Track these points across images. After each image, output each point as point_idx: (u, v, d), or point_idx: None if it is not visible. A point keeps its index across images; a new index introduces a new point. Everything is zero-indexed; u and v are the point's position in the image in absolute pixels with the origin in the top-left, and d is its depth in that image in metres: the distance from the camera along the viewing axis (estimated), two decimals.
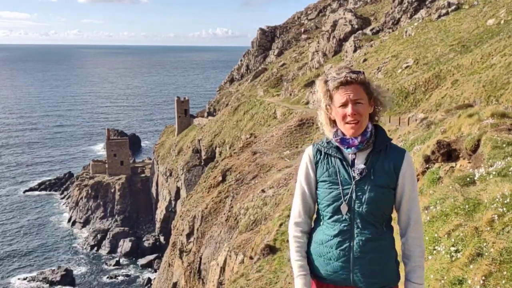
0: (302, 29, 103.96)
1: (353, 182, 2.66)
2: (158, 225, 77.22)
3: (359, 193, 2.65)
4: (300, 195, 2.83)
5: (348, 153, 2.72)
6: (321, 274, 2.78)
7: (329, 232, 2.73)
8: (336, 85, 2.67)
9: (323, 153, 2.78)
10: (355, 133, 2.66)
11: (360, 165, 2.69)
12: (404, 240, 2.79)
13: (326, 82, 2.73)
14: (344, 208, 2.67)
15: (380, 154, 2.71)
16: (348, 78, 2.66)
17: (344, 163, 2.71)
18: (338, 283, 2.74)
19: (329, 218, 2.74)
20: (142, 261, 68.41)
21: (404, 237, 2.79)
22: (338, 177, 2.70)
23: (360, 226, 2.67)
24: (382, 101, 2.76)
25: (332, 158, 2.75)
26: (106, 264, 67.61)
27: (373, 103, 2.73)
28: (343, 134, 2.72)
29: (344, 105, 2.65)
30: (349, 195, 2.66)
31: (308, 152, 2.84)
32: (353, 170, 2.68)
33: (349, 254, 2.68)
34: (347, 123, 2.65)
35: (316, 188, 2.79)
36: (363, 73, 2.74)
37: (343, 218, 2.69)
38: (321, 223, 2.79)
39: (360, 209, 2.65)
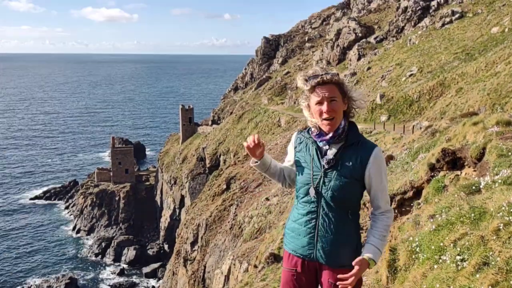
0: (306, 38, 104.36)
1: (322, 170, 3.00)
2: (162, 233, 77.13)
3: (326, 180, 2.99)
4: (284, 165, 3.34)
5: (321, 145, 3.06)
6: (292, 247, 3.15)
7: (300, 211, 3.10)
8: (313, 85, 2.98)
9: (303, 141, 3.16)
10: (331, 129, 2.99)
11: (330, 155, 3.02)
12: (372, 219, 3.10)
13: (306, 81, 3.04)
14: (312, 192, 3.02)
15: (351, 148, 3.00)
16: (324, 79, 2.95)
17: (318, 152, 3.05)
18: (305, 257, 3.10)
19: (301, 199, 3.11)
20: (146, 269, 68.23)
21: (372, 217, 3.11)
22: (311, 164, 3.05)
23: (325, 209, 3.01)
24: (355, 99, 3.05)
25: (310, 147, 3.11)
26: (110, 272, 67.49)
27: (347, 102, 3.03)
28: (319, 128, 3.06)
29: (320, 103, 2.96)
30: (317, 180, 3.01)
31: (292, 138, 3.27)
32: (323, 159, 3.01)
33: (315, 231, 3.03)
34: (324, 119, 2.97)
35: (296, 170, 3.19)
36: (338, 74, 3.03)
37: (312, 200, 3.04)
38: (296, 202, 3.17)
39: (326, 194, 2.99)
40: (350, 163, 2.96)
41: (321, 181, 2.99)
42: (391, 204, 8.64)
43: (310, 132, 3.13)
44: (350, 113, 3.07)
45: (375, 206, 3.08)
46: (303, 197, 3.09)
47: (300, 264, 3.13)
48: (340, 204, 2.98)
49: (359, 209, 3.09)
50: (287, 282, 3.22)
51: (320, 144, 3.05)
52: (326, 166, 2.99)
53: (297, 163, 3.16)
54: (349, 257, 3.01)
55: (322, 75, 2.96)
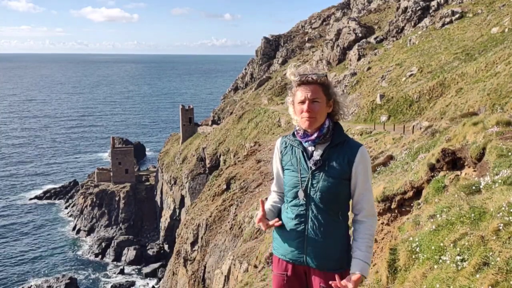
0: (306, 38, 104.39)
1: (310, 172, 2.97)
2: (162, 233, 77.15)
3: (314, 182, 2.95)
4: (275, 175, 3.31)
5: (307, 146, 3.03)
6: (282, 252, 3.11)
7: (289, 215, 3.05)
8: (298, 83, 2.98)
9: (288, 145, 3.14)
10: (309, 126, 2.96)
11: (316, 156, 2.99)
12: (354, 223, 3.04)
13: (294, 76, 3.02)
14: (300, 194, 2.98)
15: (337, 148, 2.98)
16: (310, 79, 2.94)
17: (304, 154, 3.03)
18: (295, 262, 3.06)
19: (289, 202, 3.07)
20: (146, 269, 68.27)
21: (355, 221, 3.04)
22: (298, 166, 3.02)
23: (314, 211, 2.96)
24: (341, 103, 3.05)
25: (296, 149, 3.08)
26: (111, 272, 67.52)
27: (332, 104, 3.02)
28: (303, 129, 3.04)
29: (303, 102, 2.95)
30: (306, 182, 2.97)
31: (277, 143, 3.24)
32: (310, 161, 2.99)
33: (304, 235, 2.98)
34: (303, 117, 2.97)
35: (283, 174, 3.16)
36: (326, 75, 2.99)
37: (300, 203, 3.00)
38: (286, 206, 3.12)
39: (315, 196, 2.94)
40: (337, 163, 2.93)
41: (309, 183, 2.95)
42: (391, 204, 8.66)
43: (295, 133, 3.09)
44: (336, 116, 3.05)
45: (358, 208, 2.99)
46: (291, 201, 3.04)
47: (290, 268, 3.09)
48: (329, 205, 2.94)
49: (348, 210, 3.04)
50: (279, 287, 3.18)
51: (306, 145, 3.02)
52: (313, 168, 2.95)
53: (284, 167, 3.13)
54: (339, 260, 2.98)
55: (309, 74, 2.93)
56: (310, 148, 3.01)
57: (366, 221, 2.98)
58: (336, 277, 2.90)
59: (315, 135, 2.97)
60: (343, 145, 2.98)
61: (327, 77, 2.98)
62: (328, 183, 2.91)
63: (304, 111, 2.93)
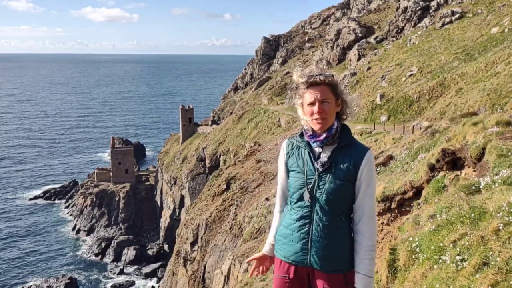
0: (306, 38, 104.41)
1: (316, 173, 2.97)
2: (162, 233, 77.16)
3: (320, 183, 2.95)
4: (279, 183, 3.25)
5: (315, 147, 3.03)
6: (285, 254, 3.09)
7: (293, 217, 3.05)
8: (306, 85, 2.99)
9: (295, 146, 3.12)
10: (321, 128, 2.97)
11: (324, 158, 2.99)
12: (355, 233, 3.02)
13: (302, 78, 3.03)
14: (306, 195, 2.98)
15: (344, 150, 2.99)
16: (317, 80, 2.95)
17: (311, 155, 3.02)
18: (299, 263, 3.04)
19: (294, 204, 3.06)
20: (146, 269, 68.26)
21: (356, 230, 3.02)
22: (305, 167, 3.01)
23: (319, 213, 2.96)
24: (349, 102, 3.05)
25: (302, 150, 3.07)
26: (110, 272, 67.52)
27: (340, 104, 3.02)
28: (312, 129, 3.04)
29: (312, 103, 2.96)
30: (311, 184, 2.97)
31: (283, 145, 3.21)
32: (317, 163, 2.98)
33: (308, 237, 2.98)
34: (314, 119, 2.96)
35: (288, 176, 3.13)
36: (332, 75, 3.00)
37: (305, 204, 2.99)
38: (289, 208, 3.12)
39: (320, 197, 2.94)
40: (344, 165, 2.93)
41: (315, 184, 2.95)
42: (391, 204, 8.66)
43: (304, 133, 3.09)
44: (343, 115, 3.06)
45: (359, 214, 2.99)
46: (296, 202, 3.04)
47: (292, 270, 3.08)
48: (335, 207, 2.94)
49: (351, 212, 3.05)
50: None
51: (314, 145, 3.02)
52: (320, 169, 2.95)
53: (289, 168, 3.11)
54: (343, 261, 2.99)
55: (316, 75, 2.94)
56: (318, 149, 3.01)
57: (367, 230, 2.97)
58: None
59: (324, 135, 2.98)
60: (350, 147, 2.99)
61: (334, 77, 3.00)
62: (335, 185, 2.92)
63: (315, 113, 2.94)
